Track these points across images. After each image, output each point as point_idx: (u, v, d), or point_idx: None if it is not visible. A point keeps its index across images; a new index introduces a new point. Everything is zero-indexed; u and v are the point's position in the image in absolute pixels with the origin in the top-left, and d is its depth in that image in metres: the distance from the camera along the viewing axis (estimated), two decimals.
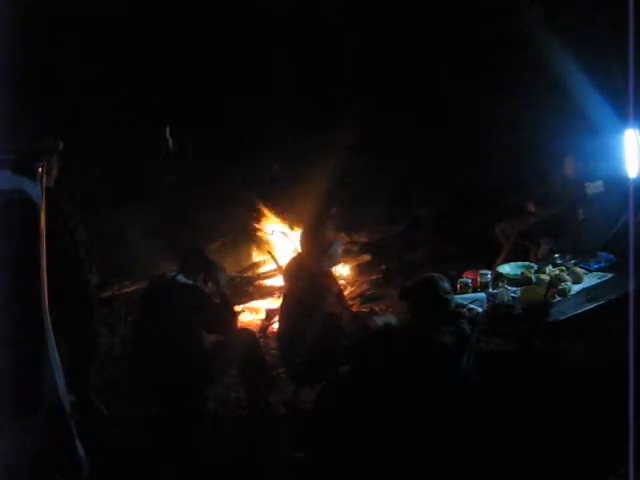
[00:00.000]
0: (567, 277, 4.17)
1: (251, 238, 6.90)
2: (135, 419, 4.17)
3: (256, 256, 6.75)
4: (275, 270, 6.24)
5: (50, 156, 3.65)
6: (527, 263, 4.61)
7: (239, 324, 4.54)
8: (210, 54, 7.03)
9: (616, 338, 3.38)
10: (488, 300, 3.96)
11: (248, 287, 6.10)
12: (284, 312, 4.28)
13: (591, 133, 5.33)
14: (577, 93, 5.68)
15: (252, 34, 7.13)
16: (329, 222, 6.37)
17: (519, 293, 3.97)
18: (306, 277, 4.04)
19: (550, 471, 3.18)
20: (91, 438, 3.17)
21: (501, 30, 6.65)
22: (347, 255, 6.18)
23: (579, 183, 5.54)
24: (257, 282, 6.21)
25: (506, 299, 3.89)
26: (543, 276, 4.18)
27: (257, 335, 4.83)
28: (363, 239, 6.99)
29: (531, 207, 5.93)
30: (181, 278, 3.98)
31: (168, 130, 6.91)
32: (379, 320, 3.95)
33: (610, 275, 4.26)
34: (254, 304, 5.94)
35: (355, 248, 6.75)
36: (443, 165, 7.37)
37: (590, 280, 4.24)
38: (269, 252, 6.42)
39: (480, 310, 3.83)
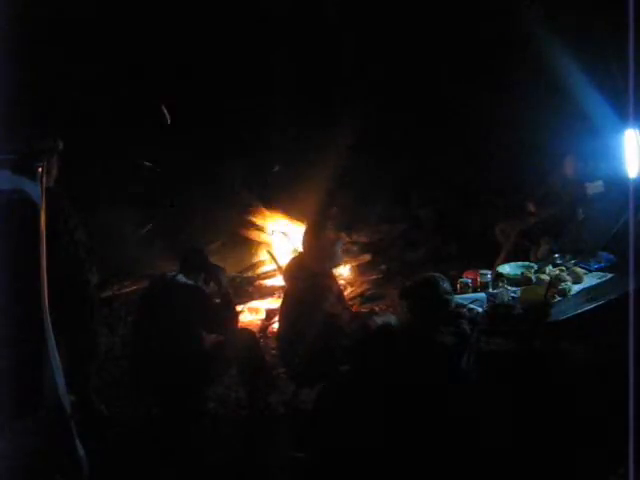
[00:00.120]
0: (567, 277, 4.17)
1: (251, 238, 6.90)
2: (135, 419, 4.17)
3: (256, 256, 6.76)
4: (275, 270, 6.24)
5: (50, 156, 3.65)
6: (527, 263, 4.61)
7: (239, 324, 4.54)
8: (210, 54, 7.03)
9: (616, 338, 3.38)
10: (488, 300, 3.95)
11: (248, 287, 6.10)
12: (284, 312, 4.28)
13: (591, 133, 5.33)
14: (577, 93, 5.68)
15: (252, 33, 7.13)
16: (329, 222, 6.40)
17: (519, 293, 3.97)
18: (307, 277, 4.04)
19: (550, 471, 3.18)
20: (91, 438, 3.17)
21: (501, 30, 6.66)
22: (347, 255, 6.18)
23: (579, 183, 5.54)
24: (257, 282, 6.21)
25: (506, 299, 3.89)
26: (543, 276, 4.18)
27: (257, 335, 4.83)
28: (363, 239, 6.99)
29: (531, 207, 5.93)
30: (181, 278, 3.98)
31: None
32: (379, 320, 3.96)
33: (610, 275, 4.26)
34: (254, 304, 5.94)
35: (355, 248, 6.75)
36: (443, 165, 7.38)
37: (590, 280, 4.24)
38: (269, 252, 6.42)
39: (480, 310, 3.83)
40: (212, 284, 4.16)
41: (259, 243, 6.80)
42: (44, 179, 2.84)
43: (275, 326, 5.28)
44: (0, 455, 2.68)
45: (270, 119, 7.19)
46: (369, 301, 5.98)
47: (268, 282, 6.23)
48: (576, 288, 4.11)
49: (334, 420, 3.37)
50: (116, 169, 6.53)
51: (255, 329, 5.19)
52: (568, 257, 4.62)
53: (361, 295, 6.11)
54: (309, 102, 7.25)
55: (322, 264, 4.10)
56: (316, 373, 3.86)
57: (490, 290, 4.12)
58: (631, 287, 3.77)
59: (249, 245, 6.91)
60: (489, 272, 4.34)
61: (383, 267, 6.56)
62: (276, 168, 7.36)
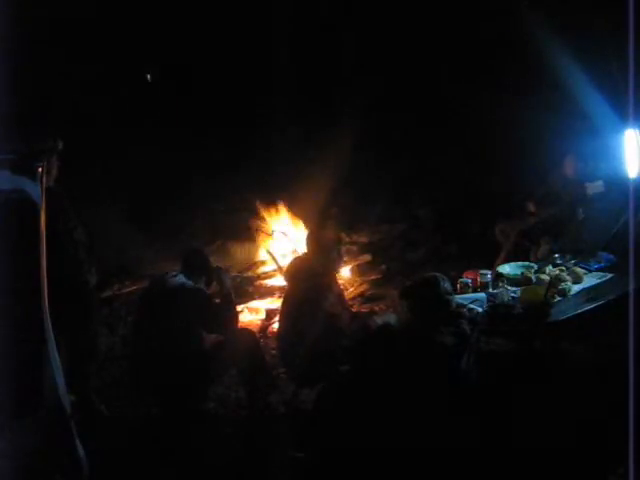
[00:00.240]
0: (567, 277, 4.16)
1: (251, 238, 6.90)
2: (135, 419, 4.17)
3: (256, 256, 6.75)
4: (275, 270, 6.24)
5: (50, 156, 3.65)
6: (527, 263, 4.61)
7: (239, 324, 4.54)
8: (210, 53, 7.04)
9: (616, 338, 3.38)
10: (488, 300, 3.95)
11: (248, 287, 6.10)
12: (285, 312, 4.28)
13: (591, 133, 5.33)
14: (577, 93, 5.68)
15: (252, 32, 7.13)
16: (330, 222, 6.41)
17: (519, 293, 3.97)
18: (308, 277, 4.04)
19: (550, 471, 3.18)
20: (91, 438, 3.17)
21: (501, 30, 6.66)
22: (347, 255, 6.17)
23: (579, 183, 5.54)
24: (257, 282, 6.21)
25: (506, 299, 3.89)
26: (543, 276, 4.17)
27: (257, 335, 4.83)
28: (363, 239, 6.99)
29: (531, 207, 5.93)
30: (181, 278, 3.98)
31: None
32: (379, 320, 3.96)
33: (610, 275, 4.26)
34: (254, 304, 5.94)
35: (355, 248, 6.75)
36: (443, 165, 7.38)
37: (590, 280, 4.24)
38: (269, 252, 6.42)
39: (480, 310, 3.83)
40: (215, 284, 4.16)
41: (259, 243, 6.80)
42: (44, 179, 2.84)
43: (275, 326, 5.28)
44: (0, 455, 2.68)
45: (270, 118, 7.19)
46: (369, 301, 5.98)
47: (268, 282, 6.23)
48: (576, 288, 4.11)
49: (334, 420, 3.37)
50: (116, 169, 6.53)
51: (255, 329, 5.19)
52: (568, 257, 4.61)
53: (361, 295, 6.11)
54: (309, 102, 7.26)
55: (324, 265, 4.10)
56: (316, 373, 3.86)
57: (490, 290, 4.12)
58: (631, 287, 3.77)
59: (249, 245, 6.91)
60: (489, 272, 4.34)
61: (383, 267, 6.56)
62: (277, 169, 7.34)
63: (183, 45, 6.81)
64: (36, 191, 2.78)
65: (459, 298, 3.93)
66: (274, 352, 4.76)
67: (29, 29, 5.18)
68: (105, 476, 3.34)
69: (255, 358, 4.07)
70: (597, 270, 4.37)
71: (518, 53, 6.59)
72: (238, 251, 6.85)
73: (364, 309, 5.64)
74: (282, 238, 6.62)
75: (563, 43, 5.86)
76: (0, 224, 2.63)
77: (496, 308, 3.82)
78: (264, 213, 6.84)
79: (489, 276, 4.27)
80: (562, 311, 3.81)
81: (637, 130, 4.43)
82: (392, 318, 4.01)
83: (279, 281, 6.10)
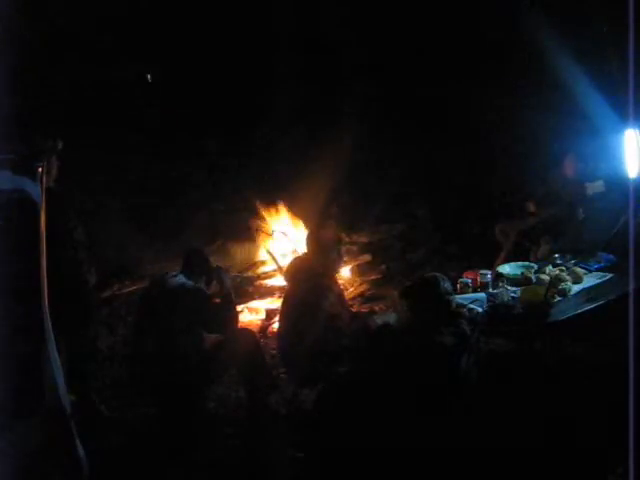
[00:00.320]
0: (567, 277, 4.17)
1: (251, 238, 6.90)
2: (135, 419, 4.17)
3: (256, 256, 6.75)
4: (275, 270, 6.24)
5: (50, 156, 3.65)
6: (527, 263, 4.61)
7: (239, 324, 4.54)
8: (211, 52, 7.03)
9: (616, 338, 3.38)
10: (488, 300, 3.96)
11: (248, 287, 6.10)
12: (285, 312, 4.28)
13: (591, 133, 5.33)
14: (577, 93, 5.68)
15: (252, 31, 7.13)
16: (330, 222, 6.41)
17: (519, 293, 3.97)
18: (308, 277, 4.05)
19: (549, 470, 3.18)
20: (91, 438, 3.17)
21: (501, 30, 6.66)
22: (347, 255, 6.17)
23: (579, 183, 5.54)
24: (257, 282, 6.21)
25: (506, 299, 3.89)
26: (543, 276, 4.18)
27: (257, 335, 4.83)
28: (363, 239, 6.99)
29: (531, 207, 5.92)
30: (181, 278, 3.98)
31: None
32: (379, 320, 3.96)
33: (610, 275, 4.26)
34: (254, 304, 5.94)
35: (355, 248, 6.75)
36: (443, 165, 7.38)
37: (590, 280, 4.24)
38: (269, 252, 6.42)
39: (480, 310, 3.83)
40: (215, 284, 4.16)
41: (259, 243, 6.80)
42: (44, 179, 2.84)
43: (275, 326, 5.28)
44: (0, 455, 2.68)
45: (271, 118, 7.19)
46: (369, 301, 5.98)
47: (268, 282, 6.23)
48: (576, 288, 4.11)
49: (334, 420, 3.37)
50: (116, 169, 6.53)
51: (255, 329, 5.19)
52: (568, 257, 4.62)
53: (361, 295, 6.11)
54: (310, 101, 7.25)
55: (324, 265, 4.11)
56: (316, 373, 3.86)
57: (490, 290, 4.12)
58: (631, 287, 3.77)
59: (249, 245, 6.91)
60: (489, 272, 4.34)
61: (383, 267, 6.56)
62: (276, 168, 7.33)
63: (183, 44, 6.81)
64: (36, 191, 2.78)
65: (459, 298, 3.93)
66: (274, 352, 4.76)
67: (29, 30, 5.18)
68: (105, 476, 3.34)
69: (255, 358, 4.07)
70: (597, 270, 4.37)
71: (518, 53, 6.59)
72: (238, 251, 6.85)
73: (364, 309, 5.64)
74: (282, 238, 6.62)
75: (563, 43, 5.86)
76: (0, 224, 2.63)
77: (496, 308, 3.82)
78: (264, 213, 6.84)
79: (489, 276, 4.27)
80: (562, 311, 3.81)
81: (637, 130, 4.43)
82: (392, 318, 4.01)
83: (279, 281, 6.10)
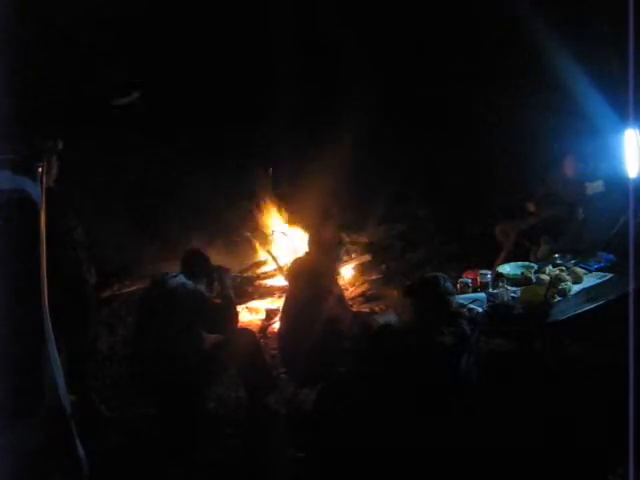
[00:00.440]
0: (567, 277, 4.17)
1: (251, 238, 6.90)
2: (135, 419, 4.17)
3: (256, 256, 6.75)
4: (275, 270, 6.24)
5: (50, 156, 3.65)
6: (527, 263, 4.61)
7: (239, 324, 4.54)
8: (211, 51, 7.03)
9: (616, 338, 3.38)
10: (488, 300, 3.96)
11: (248, 287, 6.10)
12: (286, 312, 4.29)
13: (591, 133, 5.33)
14: (577, 93, 5.68)
15: (252, 31, 7.13)
16: (330, 221, 6.41)
17: (519, 293, 3.97)
18: (309, 278, 4.05)
19: (549, 470, 3.18)
20: (91, 438, 3.17)
21: (502, 31, 6.66)
22: (347, 255, 6.17)
23: (579, 183, 5.54)
24: (257, 282, 6.21)
25: (506, 299, 3.89)
26: (543, 276, 4.18)
27: (257, 335, 4.83)
28: (363, 239, 6.99)
29: (531, 207, 5.93)
30: (181, 278, 3.98)
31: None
32: (380, 319, 3.96)
33: (610, 275, 4.26)
34: (254, 304, 5.94)
35: (355, 248, 6.75)
36: (443, 165, 7.38)
37: (590, 280, 4.24)
38: (269, 252, 6.42)
39: (480, 310, 3.83)
40: (215, 284, 4.16)
41: (259, 243, 6.80)
42: (44, 179, 2.84)
43: (275, 326, 5.28)
44: (0, 455, 2.68)
45: (271, 118, 7.19)
46: (369, 301, 5.98)
47: (268, 282, 6.23)
48: (576, 288, 4.12)
49: (334, 420, 3.37)
50: (116, 168, 6.53)
51: (255, 329, 5.19)
52: (568, 257, 4.62)
53: (361, 295, 6.11)
54: (311, 101, 7.25)
55: (326, 266, 4.11)
56: (316, 373, 3.86)
57: (490, 290, 4.13)
58: (631, 287, 3.77)
59: (249, 245, 6.90)
60: (489, 272, 4.34)
61: (383, 267, 6.56)
62: (276, 167, 7.33)
63: (183, 44, 6.81)
64: (36, 191, 2.78)
65: (459, 298, 3.93)
66: (274, 352, 4.76)
67: (28, 30, 5.18)
68: (105, 476, 3.34)
69: (255, 358, 4.07)
70: (597, 270, 4.37)
71: (519, 54, 6.59)
72: (238, 251, 6.85)
73: (364, 309, 5.64)
74: (282, 238, 6.62)
75: (563, 43, 5.86)
76: (0, 224, 2.63)
77: (496, 308, 3.82)
78: (264, 212, 6.84)
79: (489, 276, 4.27)
80: (562, 311, 3.82)
81: (637, 130, 4.43)
82: (392, 318, 4.01)
83: (279, 281, 6.10)
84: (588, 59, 5.76)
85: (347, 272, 6.36)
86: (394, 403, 3.12)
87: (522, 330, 3.77)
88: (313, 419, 3.67)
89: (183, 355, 3.81)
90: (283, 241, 6.62)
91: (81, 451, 2.95)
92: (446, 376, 3.19)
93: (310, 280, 4.04)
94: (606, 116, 5.13)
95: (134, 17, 6.53)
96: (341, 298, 4.36)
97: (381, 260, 6.70)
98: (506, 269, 4.42)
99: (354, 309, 5.36)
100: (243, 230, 6.93)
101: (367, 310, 5.58)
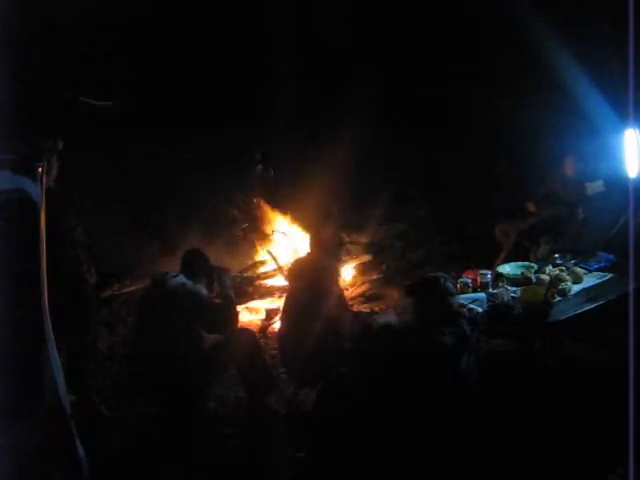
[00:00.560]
0: (567, 277, 4.17)
1: (251, 238, 6.90)
2: (135, 419, 4.17)
3: (256, 256, 6.76)
4: (275, 270, 6.24)
5: (50, 156, 3.65)
6: (527, 263, 4.61)
7: (239, 324, 4.54)
8: (212, 52, 7.03)
9: (616, 338, 3.38)
10: (488, 300, 3.96)
11: (248, 287, 6.10)
12: (286, 312, 4.29)
13: (591, 133, 5.33)
14: (577, 93, 5.68)
15: (252, 31, 7.13)
16: (330, 221, 6.41)
17: (519, 293, 3.97)
18: (310, 278, 4.05)
19: (549, 470, 3.18)
20: (91, 438, 3.17)
21: (501, 30, 6.65)
22: (347, 255, 6.18)
23: (579, 183, 5.54)
24: (257, 282, 6.21)
25: (506, 299, 3.89)
26: (543, 276, 4.18)
27: (257, 335, 4.83)
28: (363, 239, 6.99)
29: (531, 207, 5.93)
30: (181, 278, 3.99)
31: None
32: (380, 319, 3.96)
33: (610, 275, 4.26)
34: (254, 304, 5.94)
35: (355, 248, 6.75)
36: (443, 165, 7.38)
37: (590, 280, 4.24)
38: (269, 252, 6.42)
39: (480, 310, 3.83)
40: (215, 284, 4.16)
41: (259, 243, 6.80)
42: (44, 179, 2.84)
43: (275, 326, 5.28)
44: (0, 455, 2.68)
45: (271, 118, 7.19)
46: (369, 301, 5.98)
47: (268, 282, 6.23)
48: (576, 288, 4.11)
49: (334, 420, 3.37)
50: (116, 168, 6.53)
51: (255, 329, 5.19)
52: (568, 257, 4.62)
53: (361, 295, 6.11)
54: (311, 101, 7.25)
55: (327, 266, 4.12)
56: (316, 373, 3.86)
57: (490, 290, 4.12)
58: (631, 287, 3.77)
59: (249, 245, 6.91)
60: (489, 272, 4.34)
61: (383, 267, 6.56)
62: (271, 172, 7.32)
63: (184, 44, 6.81)
64: (36, 191, 2.78)
65: (459, 298, 3.93)
66: (274, 352, 4.76)
67: (29, 30, 5.18)
68: (105, 476, 3.34)
69: (255, 358, 4.07)
70: (597, 270, 4.37)
71: (519, 54, 6.58)
72: (238, 251, 6.85)
73: (364, 309, 5.64)
74: (282, 238, 6.62)
75: (563, 43, 5.86)
76: (0, 224, 2.63)
77: (496, 308, 3.82)
78: (264, 212, 6.84)
79: (489, 276, 4.27)
80: (562, 311, 3.81)
81: (637, 130, 4.43)
82: (393, 318, 4.01)
83: (279, 281, 6.10)
84: (588, 59, 5.75)
85: (347, 272, 6.37)
86: (394, 403, 3.12)
87: (522, 330, 3.77)
88: (313, 419, 3.67)
89: (183, 355, 3.81)
90: (283, 241, 6.62)
91: (81, 451, 2.95)
92: (446, 376, 3.19)
93: (311, 280, 4.04)
94: (606, 116, 5.13)
95: (134, 17, 6.53)
96: (341, 298, 4.36)
97: (381, 260, 6.70)
98: (506, 269, 4.42)
99: (354, 309, 5.36)
100: (243, 229, 6.94)
101: (367, 310, 5.58)
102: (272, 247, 6.57)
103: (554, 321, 3.71)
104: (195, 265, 4.10)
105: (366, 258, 6.65)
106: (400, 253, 6.99)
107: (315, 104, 7.26)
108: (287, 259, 6.25)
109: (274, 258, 6.27)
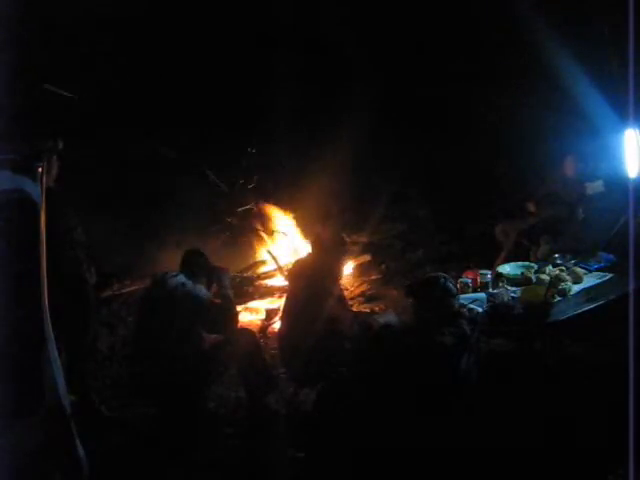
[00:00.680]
0: (567, 277, 4.17)
1: (251, 238, 6.90)
2: (135, 419, 4.17)
3: (256, 256, 6.76)
4: (275, 270, 6.24)
5: (50, 156, 3.65)
6: (527, 263, 4.61)
7: (239, 324, 4.54)
8: (213, 52, 7.03)
9: (616, 338, 3.38)
10: (488, 300, 3.96)
11: (248, 287, 6.10)
12: (286, 312, 4.29)
13: (591, 133, 5.33)
14: (577, 93, 5.68)
15: (252, 31, 7.13)
16: (331, 221, 6.41)
17: (519, 293, 3.97)
18: (311, 279, 4.05)
19: (549, 470, 3.18)
20: (91, 438, 3.17)
21: (502, 31, 6.65)
22: (347, 255, 6.17)
23: (579, 183, 5.54)
24: (257, 282, 6.21)
25: (506, 299, 3.89)
26: (543, 276, 4.18)
27: (257, 335, 4.83)
28: (363, 239, 7.00)
29: (531, 207, 5.92)
30: (181, 278, 3.99)
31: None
32: (381, 319, 3.96)
33: (610, 275, 4.26)
34: (254, 304, 5.94)
35: (355, 248, 6.75)
36: (443, 165, 7.38)
37: (590, 280, 4.24)
38: (269, 252, 6.42)
39: (480, 310, 3.83)
40: (215, 285, 4.17)
41: (259, 243, 6.80)
42: (44, 179, 2.84)
43: (275, 326, 5.28)
44: (0, 455, 2.68)
45: (271, 118, 7.19)
46: (369, 301, 5.98)
47: (268, 282, 6.23)
48: (576, 288, 4.11)
49: (334, 420, 3.37)
50: (115, 168, 6.54)
51: (255, 329, 5.19)
52: (568, 257, 4.62)
53: (361, 295, 6.11)
54: (310, 101, 7.25)
55: (328, 267, 4.12)
56: (316, 373, 3.86)
57: (490, 290, 4.12)
58: (631, 287, 3.77)
59: (249, 245, 6.91)
60: (489, 272, 4.34)
61: (383, 267, 6.56)
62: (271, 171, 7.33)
63: (184, 44, 6.81)
64: (36, 191, 2.78)
65: (459, 298, 3.93)
66: (274, 352, 4.76)
67: (29, 30, 5.18)
68: (105, 476, 3.34)
69: (255, 358, 4.07)
70: (597, 270, 4.37)
71: (518, 53, 6.58)
72: (238, 251, 6.85)
73: (364, 309, 5.64)
74: (282, 238, 6.62)
75: (563, 43, 5.86)
76: (0, 224, 2.63)
77: (496, 308, 3.82)
78: (265, 213, 6.84)
79: (489, 276, 4.27)
80: (562, 311, 3.82)
81: (637, 130, 4.43)
82: (393, 318, 4.01)
83: (279, 281, 6.10)
84: (588, 59, 5.75)
85: (347, 272, 6.37)
86: (394, 403, 3.12)
87: (522, 330, 3.77)
88: (313, 419, 3.67)
89: (183, 355, 3.81)
90: (283, 241, 6.62)
91: (81, 451, 2.95)
92: (446, 376, 3.19)
93: (311, 280, 4.04)
94: (606, 116, 5.13)
95: (134, 17, 6.53)
96: (341, 298, 4.37)
97: (381, 260, 6.70)
98: (506, 269, 4.42)
99: (354, 309, 5.36)
100: (243, 230, 6.94)
101: (367, 310, 5.58)
102: (272, 247, 6.57)
103: (554, 321, 3.71)
104: (195, 265, 4.10)
105: (366, 258, 6.65)
106: (400, 253, 6.99)
107: (315, 104, 7.26)
108: (287, 259, 6.25)
109: (274, 258, 6.28)
